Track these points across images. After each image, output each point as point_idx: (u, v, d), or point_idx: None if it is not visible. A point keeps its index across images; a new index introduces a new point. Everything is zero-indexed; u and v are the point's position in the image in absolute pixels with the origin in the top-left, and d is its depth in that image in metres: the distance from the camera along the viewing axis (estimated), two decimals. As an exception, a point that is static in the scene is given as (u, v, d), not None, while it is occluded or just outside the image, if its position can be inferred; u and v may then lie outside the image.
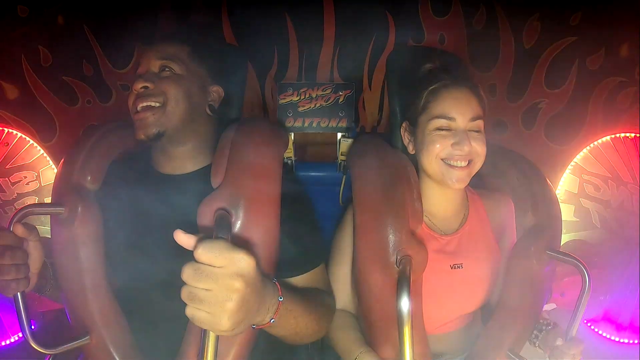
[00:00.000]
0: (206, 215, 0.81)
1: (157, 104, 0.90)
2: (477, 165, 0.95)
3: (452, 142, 0.92)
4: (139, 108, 0.90)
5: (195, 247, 0.57)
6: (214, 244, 0.57)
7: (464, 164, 0.92)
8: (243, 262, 0.58)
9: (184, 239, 0.60)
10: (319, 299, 0.90)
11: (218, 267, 0.56)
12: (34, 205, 0.89)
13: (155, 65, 0.94)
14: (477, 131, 0.94)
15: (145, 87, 0.91)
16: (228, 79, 1.06)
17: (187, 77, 0.95)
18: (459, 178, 0.92)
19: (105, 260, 0.92)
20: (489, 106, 0.99)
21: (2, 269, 0.74)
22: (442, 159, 0.93)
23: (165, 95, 0.91)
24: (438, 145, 0.93)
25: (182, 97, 0.92)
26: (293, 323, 0.77)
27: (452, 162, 0.93)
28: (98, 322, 0.88)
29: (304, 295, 0.83)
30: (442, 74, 0.97)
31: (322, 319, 0.89)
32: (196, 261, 0.57)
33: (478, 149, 0.93)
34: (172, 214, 0.89)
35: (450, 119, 0.93)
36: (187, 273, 0.56)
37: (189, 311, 0.57)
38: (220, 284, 0.56)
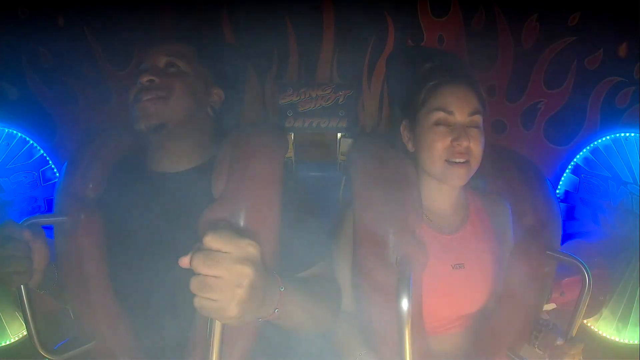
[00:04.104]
0: (208, 226, 0.81)
1: (160, 98, 0.90)
2: (474, 164, 0.95)
3: (450, 138, 0.92)
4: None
5: (205, 234, 0.57)
6: (222, 231, 0.58)
7: (463, 160, 0.93)
8: (250, 247, 0.59)
9: (187, 260, 0.59)
10: (322, 288, 0.90)
11: (227, 252, 0.57)
12: (37, 216, 0.90)
13: (161, 60, 0.94)
14: (475, 127, 0.94)
15: (151, 81, 0.91)
16: (229, 81, 1.06)
17: (192, 75, 0.95)
18: (459, 175, 0.93)
19: (109, 266, 0.92)
20: (488, 106, 0.99)
21: (2, 260, 0.75)
22: (445, 160, 0.93)
23: (170, 89, 0.91)
24: (439, 144, 0.93)
25: (186, 93, 0.93)
26: (298, 313, 0.78)
27: (452, 159, 0.93)
28: (103, 327, 0.89)
29: (306, 286, 0.83)
30: (441, 71, 0.98)
31: (328, 307, 0.89)
32: (204, 250, 0.57)
33: (473, 148, 0.93)
34: (168, 211, 0.90)
35: (448, 112, 0.93)
36: (197, 260, 0.57)
37: (197, 301, 0.57)
38: (230, 270, 0.57)
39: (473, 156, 0.93)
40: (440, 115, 0.93)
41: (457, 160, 0.92)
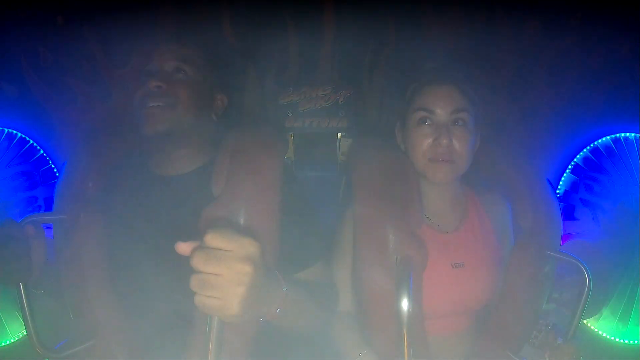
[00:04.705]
0: (208, 224, 0.81)
1: (168, 105, 0.90)
2: (460, 163, 0.95)
3: (432, 137, 0.93)
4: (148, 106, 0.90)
5: (206, 232, 0.57)
6: (223, 230, 0.58)
7: (445, 159, 0.93)
8: (251, 246, 0.59)
9: (185, 247, 0.59)
10: (319, 291, 0.91)
11: (228, 250, 0.57)
12: (37, 214, 0.91)
13: (170, 64, 0.94)
14: (460, 125, 0.94)
15: (159, 87, 0.90)
16: (233, 87, 1.07)
17: (199, 82, 0.95)
18: (441, 173, 0.93)
19: (109, 265, 0.92)
20: (486, 105, 1.00)
21: (3, 258, 0.75)
22: (428, 159, 0.94)
23: (177, 98, 0.90)
24: (422, 143, 0.94)
25: (192, 101, 0.92)
26: (299, 314, 0.78)
27: (434, 158, 0.93)
28: (103, 326, 0.89)
29: (305, 288, 0.83)
30: (430, 71, 1.00)
31: (325, 307, 0.90)
32: (205, 248, 0.57)
33: (457, 146, 0.93)
34: (168, 213, 0.90)
35: (429, 111, 0.94)
36: (198, 258, 0.56)
37: (198, 299, 0.57)
38: (231, 268, 0.56)
39: (458, 154, 0.93)
40: (422, 114, 0.95)
41: (439, 159, 0.93)
